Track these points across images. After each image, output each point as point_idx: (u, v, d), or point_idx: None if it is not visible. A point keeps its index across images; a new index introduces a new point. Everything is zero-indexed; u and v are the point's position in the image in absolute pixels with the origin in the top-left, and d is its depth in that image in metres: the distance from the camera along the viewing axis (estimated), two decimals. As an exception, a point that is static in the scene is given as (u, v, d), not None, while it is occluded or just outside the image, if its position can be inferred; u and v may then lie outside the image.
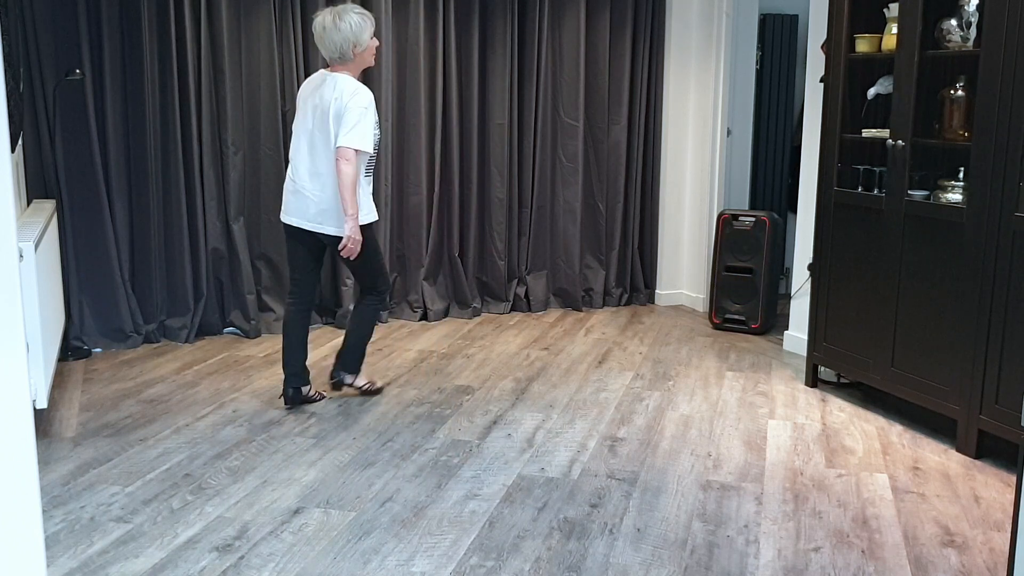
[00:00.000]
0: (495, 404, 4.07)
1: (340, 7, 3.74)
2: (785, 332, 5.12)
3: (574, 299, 5.96)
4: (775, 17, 6.34)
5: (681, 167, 6.11)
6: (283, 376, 3.98)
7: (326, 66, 3.85)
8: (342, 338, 4.16)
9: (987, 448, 3.51)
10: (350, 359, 4.09)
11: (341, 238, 3.73)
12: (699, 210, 6.02)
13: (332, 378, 4.15)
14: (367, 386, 4.16)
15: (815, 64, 4.73)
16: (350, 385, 4.13)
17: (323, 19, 3.71)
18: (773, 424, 3.87)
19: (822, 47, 4.39)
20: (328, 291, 5.38)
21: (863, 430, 3.81)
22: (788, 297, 5.23)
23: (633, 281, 6.17)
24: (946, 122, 3.71)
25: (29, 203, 4.36)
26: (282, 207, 3.93)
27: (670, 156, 6.10)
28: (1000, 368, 3.34)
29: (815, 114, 4.71)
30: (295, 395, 3.97)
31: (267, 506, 3.03)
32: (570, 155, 5.83)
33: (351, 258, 3.80)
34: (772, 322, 5.51)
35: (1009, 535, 2.88)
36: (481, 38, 5.54)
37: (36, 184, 4.55)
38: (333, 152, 3.68)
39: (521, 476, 3.30)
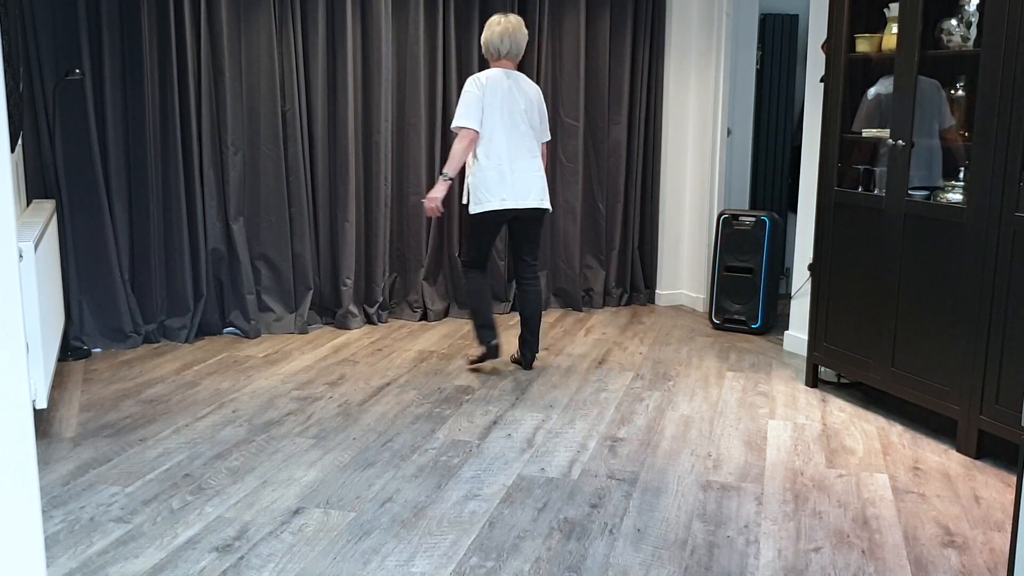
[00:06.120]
0: (495, 404, 4.07)
1: (506, 14, 4.30)
2: (785, 332, 5.12)
3: (574, 299, 5.96)
4: (775, 17, 6.34)
5: (681, 167, 6.11)
6: (481, 338, 4.39)
7: (483, 64, 4.49)
8: (520, 325, 4.55)
9: (987, 448, 3.51)
10: (535, 339, 4.55)
11: (547, 210, 4.42)
12: (699, 210, 6.02)
13: (525, 357, 4.57)
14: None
15: (815, 64, 4.73)
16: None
17: (509, 20, 4.25)
18: (773, 424, 3.87)
19: (822, 47, 4.39)
20: (328, 291, 5.38)
21: (863, 430, 3.81)
22: (788, 297, 5.23)
23: (633, 281, 6.17)
24: (946, 122, 3.72)
25: (29, 203, 4.36)
26: (489, 195, 4.22)
27: (670, 156, 6.10)
28: (1000, 368, 3.34)
29: (815, 114, 4.71)
30: (498, 346, 4.43)
31: (267, 506, 3.03)
32: (570, 155, 5.83)
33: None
34: (772, 322, 5.51)
35: (1009, 535, 2.88)
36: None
37: (36, 184, 4.55)
38: (539, 141, 4.40)
39: (521, 476, 3.30)
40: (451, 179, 4.25)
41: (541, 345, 5.06)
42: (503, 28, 4.22)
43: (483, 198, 4.21)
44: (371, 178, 5.35)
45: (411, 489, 3.18)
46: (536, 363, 4.69)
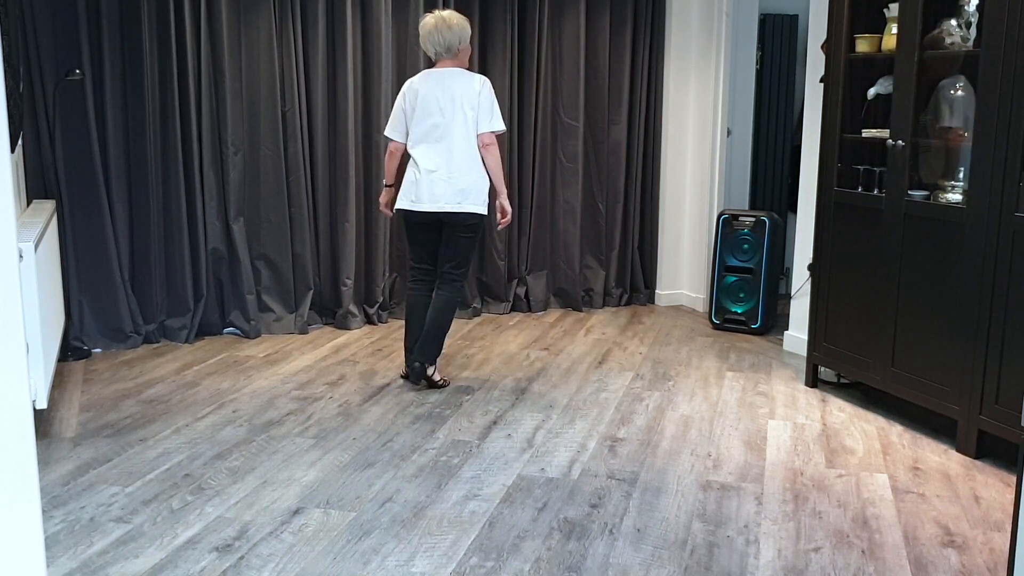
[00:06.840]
0: (495, 404, 4.07)
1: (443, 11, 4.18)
2: (785, 332, 5.12)
3: (574, 299, 5.96)
4: (775, 17, 6.34)
5: (681, 167, 6.11)
6: (404, 356, 4.33)
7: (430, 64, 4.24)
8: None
9: (987, 448, 3.51)
10: (432, 348, 4.22)
11: (474, 214, 4.13)
12: (699, 210, 6.02)
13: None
14: (441, 381, 4.30)
15: (815, 64, 4.73)
16: (428, 377, 4.24)
17: (428, 21, 4.11)
18: (773, 424, 3.87)
19: (822, 47, 4.39)
20: (328, 291, 5.38)
21: (863, 430, 3.81)
22: (788, 297, 5.23)
23: (633, 281, 6.17)
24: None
25: (29, 203, 4.36)
26: (401, 195, 4.19)
27: (670, 156, 6.10)
28: (1000, 368, 3.34)
29: (815, 114, 4.71)
30: (421, 369, 4.21)
31: (267, 506, 3.03)
32: (570, 155, 5.83)
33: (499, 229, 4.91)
34: (772, 322, 5.51)
35: (1009, 535, 2.88)
36: (481, 38, 5.54)
37: (36, 184, 4.55)
38: (474, 138, 4.12)
39: (521, 476, 3.30)
40: (388, 185, 4.36)
41: (541, 344, 5.06)
42: (422, 32, 4.14)
43: (400, 196, 4.22)
44: (371, 178, 5.35)
45: (411, 489, 3.18)
46: (536, 363, 4.69)
